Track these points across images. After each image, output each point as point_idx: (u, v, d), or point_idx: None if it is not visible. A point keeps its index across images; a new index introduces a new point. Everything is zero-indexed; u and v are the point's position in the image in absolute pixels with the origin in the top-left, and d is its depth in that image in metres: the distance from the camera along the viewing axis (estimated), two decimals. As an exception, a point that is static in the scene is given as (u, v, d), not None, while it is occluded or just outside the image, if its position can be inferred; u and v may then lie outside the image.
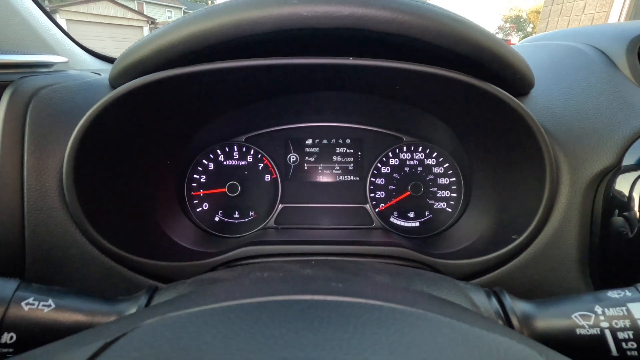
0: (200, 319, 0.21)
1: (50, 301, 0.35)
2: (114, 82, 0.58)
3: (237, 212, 0.83)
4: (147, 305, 0.39)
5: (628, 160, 0.55)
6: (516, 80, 0.55)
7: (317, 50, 0.52)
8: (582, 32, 0.72)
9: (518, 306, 0.39)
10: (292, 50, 0.51)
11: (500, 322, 0.38)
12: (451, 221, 0.81)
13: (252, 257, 0.63)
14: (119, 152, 0.58)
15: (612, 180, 0.55)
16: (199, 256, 0.64)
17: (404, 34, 0.45)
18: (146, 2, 29.69)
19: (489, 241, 0.65)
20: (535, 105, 0.59)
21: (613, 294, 0.35)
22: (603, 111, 0.57)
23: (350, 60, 0.51)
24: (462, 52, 0.48)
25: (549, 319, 0.36)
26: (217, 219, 0.83)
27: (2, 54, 0.53)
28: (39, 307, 0.34)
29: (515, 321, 0.37)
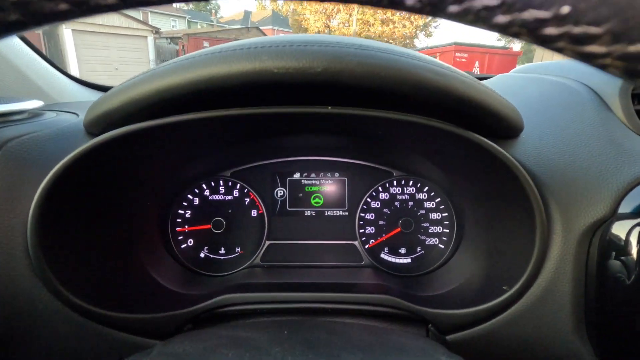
0: None
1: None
2: (88, 128, 0.56)
3: (222, 249, 0.81)
4: None
5: (623, 209, 0.53)
6: (503, 127, 0.53)
7: (295, 99, 0.50)
8: (574, 67, 0.69)
9: None
10: (270, 99, 0.50)
11: None
12: (444, 258, 0.79)
13: (232, 304, 0.61)
14: (93, 202, 0.57)
15: (607, 231, 0.52)
16: (181, 301, 0.61)
17: (382, 89, 0.43)
18: (151, 12, 30.09)
19: (480, 289, 0.62)
20: (525, 150, 0.57)
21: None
22: (596, 157, 0.54)
23: (329, 109, 0.49)
24: (445, 104, 0.46)
25: None
26: (202, 255, 0.81)
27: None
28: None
29: None
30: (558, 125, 0.59)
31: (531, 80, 0.73)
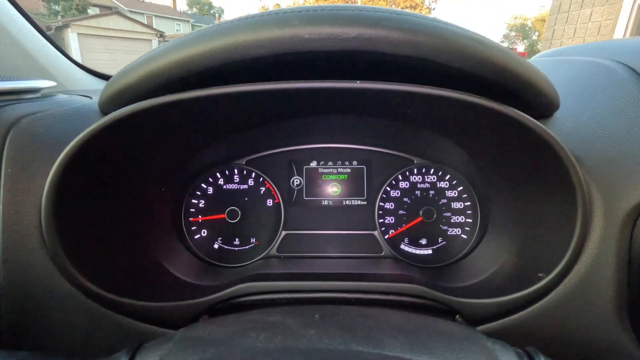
0: None
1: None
2: (104, 107, 0.54)
3: (237, 239, 0.78)
4: None
5: (669, 190, 0.50)
6: (541, 103, 0.50)
7: (321, 72, 0.47)
8: (607, 46, 0.66)
9: None
10: (293, 73, 0.47)
11: None
12: (467, 249, 0.75)
13: (249, 294, 0.58)
14: (107, 183, 0.54)
15: (652, 214, 0.49)
16: (195, 291, 0.59)
17: (419, 57, 0.41)
18: (155, 16, 30.35)
19: (511, 277, 0.59)
20: (561, 129, 0.54)
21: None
22: (638, 136, 0.51)
23: (358, 84, 0.47)
24: (483, 75, 0.44)
25: None
26: (216, 246, 0.78)
27: (-18, 81, 0.49)
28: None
29: None
30: (594, 105, 0.56)
31: (561, 62, 0.70)
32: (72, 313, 0.49)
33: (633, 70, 0.58)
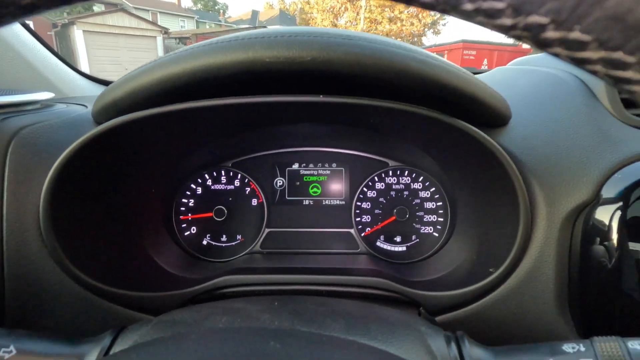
0: None
1: (11, 347, 0.36)
2: (96, 118, 0.60)
3: (224, 236, 0.84)
4: (109, 347, 0.40)
5: (607, 193, 0.54)
6: (489, 114, 0.55)
7: (290, 86, 0.53)
8: (565, 58, 0.71)
9: (476, 354, 0.39)
10: (265, 87, 0.52)
11: None
12: (438, 246, 0.81)
13: (231, 285, 0.64)
14: (100, 186, 0.60)
15: (590, 214, 0.54)
16: (183, 283, 0.65)
17: (367, 76, 0.46)
18: (160, 13, 30.42)
19: (468, 272, 0.64)
20: (512, 137, 0.59)
21: (568, 347, 0.35)
22: (580, 143, 0.56)
23: (320, 98, 0.52)
24: (429, 92, 0.49)
25: None
26: (204, 242, 0.84)
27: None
28: None
29: None
30: (545, 114, 0.61)
31: (524, 72, 0.75)
32: (66, 300, 0.55)
33: (581, 81, 0.62)
